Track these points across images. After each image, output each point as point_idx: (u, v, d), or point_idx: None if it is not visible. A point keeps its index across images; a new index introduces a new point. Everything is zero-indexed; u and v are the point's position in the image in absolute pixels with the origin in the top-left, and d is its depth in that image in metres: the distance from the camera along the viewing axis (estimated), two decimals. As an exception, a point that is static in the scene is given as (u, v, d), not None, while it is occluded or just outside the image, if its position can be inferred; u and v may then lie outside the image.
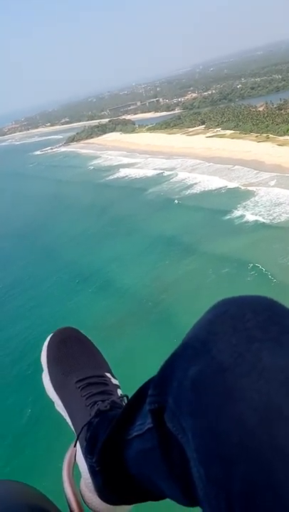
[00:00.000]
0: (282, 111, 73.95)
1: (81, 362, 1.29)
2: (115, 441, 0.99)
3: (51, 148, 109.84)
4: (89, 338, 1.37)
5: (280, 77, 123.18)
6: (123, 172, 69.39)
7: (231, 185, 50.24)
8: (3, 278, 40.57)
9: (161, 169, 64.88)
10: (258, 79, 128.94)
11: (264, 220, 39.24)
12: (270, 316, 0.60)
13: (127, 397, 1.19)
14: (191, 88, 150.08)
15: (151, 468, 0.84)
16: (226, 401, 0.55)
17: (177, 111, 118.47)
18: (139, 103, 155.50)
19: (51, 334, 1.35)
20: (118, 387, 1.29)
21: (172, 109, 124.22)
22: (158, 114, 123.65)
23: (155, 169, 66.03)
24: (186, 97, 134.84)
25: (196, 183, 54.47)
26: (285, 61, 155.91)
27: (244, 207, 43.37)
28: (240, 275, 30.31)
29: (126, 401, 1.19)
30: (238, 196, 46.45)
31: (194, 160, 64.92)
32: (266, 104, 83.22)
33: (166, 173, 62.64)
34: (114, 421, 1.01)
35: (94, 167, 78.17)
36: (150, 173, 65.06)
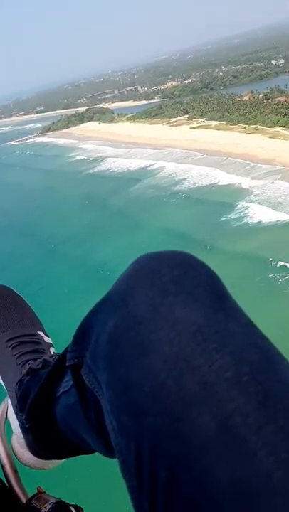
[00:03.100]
0: (270, 100, 71.13)
1: (12, 321, 1.28)
2: (44, 399, 1.01)
3: (26, 139, 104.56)
4: (22, 296, 1.36)
5: (262, 64, 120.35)
6: (98, 168, 65.43)
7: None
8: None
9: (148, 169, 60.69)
10: (239, 67, 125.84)
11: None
12: (185, 270, 0.62)
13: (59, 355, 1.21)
14: (170, 76, 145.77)
15: (76, 422, 0.86)
16: (138, 353, 0.56)
17: (157, 100, 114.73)
18: (116, 91, 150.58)
19: None
20: (51, 345, 1.29)
21: (152, 98, 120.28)
22: (137, 103, 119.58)
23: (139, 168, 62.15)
24: (165, 86, 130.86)
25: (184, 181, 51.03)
26: (264, 48, 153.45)
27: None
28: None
29: None
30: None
31: (182, 152, 61.28)
32: (252, 93, 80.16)
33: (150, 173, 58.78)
34: (43, 379, 1.03)
35: (74, 160, 73.70)
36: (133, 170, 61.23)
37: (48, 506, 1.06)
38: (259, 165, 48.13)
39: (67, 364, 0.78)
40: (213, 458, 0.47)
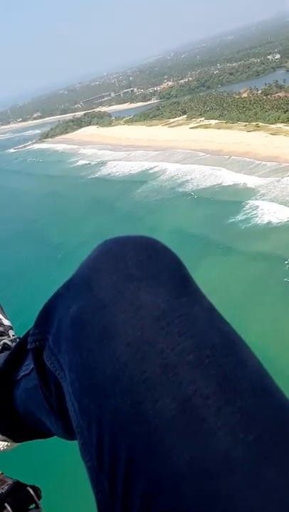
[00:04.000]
0: (269, 96, 70.44)
1: None
2: (4, 382, 1.01)
3: (24, 146, 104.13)
4: None
5: (258, 60, 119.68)
6: (101, 172, 64.84)
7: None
8: None
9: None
10: (235, 64, 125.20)
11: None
12: (150, 255, 0.62)
13: (20, 338, 1.19)
14: (166, 76, 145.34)
15: (36, 406, 0.87)
16: (101, 336, 0.57)
17: (154, 101, 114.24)
18: (113, 94, 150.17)
19: None
20: (10, 328, 1.29)
21: (149, 99, 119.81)
22: (134, 105, 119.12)
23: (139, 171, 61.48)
24: (162, 86, 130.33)
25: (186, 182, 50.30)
26: (259, 44, 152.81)
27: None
28: None
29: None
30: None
31: (184, 152, 60.59)
32: (250, 89, 79.58)
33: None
34: (2, 362, 1.03)
35: (76, 165, 73.22)
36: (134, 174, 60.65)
37: (6, 487, 1.05)
38: (264, 163, 47.47)
39: (28, 347, 0.78)
40: (173, 438, 0.49)
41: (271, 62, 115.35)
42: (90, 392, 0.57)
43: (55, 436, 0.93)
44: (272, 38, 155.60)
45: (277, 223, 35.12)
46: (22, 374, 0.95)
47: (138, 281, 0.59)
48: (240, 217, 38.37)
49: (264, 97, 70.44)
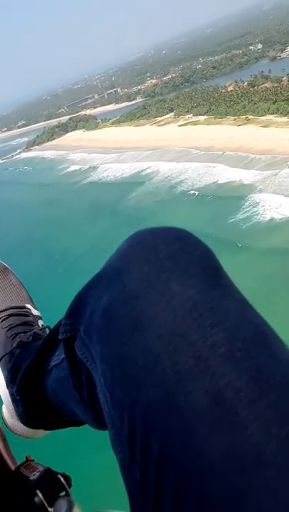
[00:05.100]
0: (256, 87, 69.65)
1: (1, 293, 1.31)
2: (35, 371, 1.04)
3: (12, 156, 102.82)
4: (10, 268, 1.38)
5: (240, 52, 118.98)
6: (94, 177, 63.87)
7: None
8: None
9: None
10: (217, 57, 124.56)
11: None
12: (181, 246, 0.62)
13: (49, 328, 1.21)
14: (149, 74, 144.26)
15: (67, 395, 0.88)
16: (133, 328, 0.57)
17: (139, 100, 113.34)
18: (96, 96, 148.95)
19: None
20: (40, 318, 1.31)
21: (133, 99, 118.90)
22: (119, 106, 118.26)
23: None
24: (145, 84, 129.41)
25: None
26: (239, 35, 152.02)
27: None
28: None
29: (47, 332, 1.21)
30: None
31: (175, 151, 59.60)
32: (235, 82, 78.68)
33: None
34: (34, 352, 1.05)
35: (67, 172, 72.14)
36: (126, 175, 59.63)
37: (37, 474, 1.07)
38: (258, 156, 46.68)
39: (60, 337, 0.79)
40: (205, 431, 0.48)
41: (254, 52, 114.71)
42: (122, 383, 0.57)
43: (87, 425, 0.92)
44: (252, 28, 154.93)
45: (280, 219, 34.32)
46: (53, 364, 0.96)
47: (169, 272, 0.59)
48: (240, 215, 37.58)
49: (251, 89, 69.69)
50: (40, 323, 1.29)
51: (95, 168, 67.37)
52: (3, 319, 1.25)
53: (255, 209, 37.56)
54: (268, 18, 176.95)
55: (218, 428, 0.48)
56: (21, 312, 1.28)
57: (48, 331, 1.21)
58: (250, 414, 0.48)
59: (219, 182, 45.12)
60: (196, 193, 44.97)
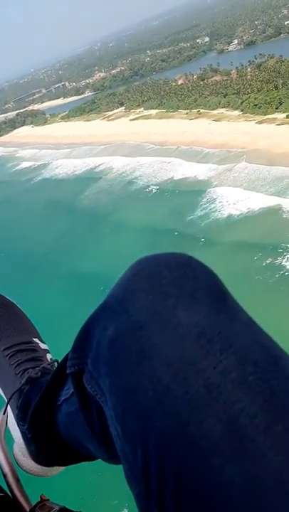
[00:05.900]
0: (206, 81, 69.61)
1: (7, 329, 1.28)
2: (46, 407, 1.01)
3: None
4: (15, 303, 1.36)
5: (188, 45, 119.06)
6: (47, 174, 61.86)
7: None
8: None
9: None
10: (165, 50, 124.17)
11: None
12: (185, 272, 0.61)
13: (57, 361, 1.19)
14: (96, 67, 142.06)
15: (78, 430, 0.86)
16: (141, 358, 0.55)
17: (88, 94, 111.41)
18: (44, 90, 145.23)
19: None
20: (47, 351, 1.29)
21: (82, 93, 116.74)
22: (68, 100, 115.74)
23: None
24: (94, 78, 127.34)
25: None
26: (185, 28, 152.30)
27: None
28: None
29: (56, 366, 1.17)
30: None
31: (129, 145, 58.40)
32: (185, 75, 78.37)
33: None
34: (43, 387, 1.02)
35: (18, 169, 69.28)
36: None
37: None
38: (212, 151, 46.45)
39: (67, 372, 0.78)
40: (222, 460, 0.47)
41: (201, 45, 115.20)
42: (133, 415, 0.56)
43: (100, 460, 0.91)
44: (198, 21, 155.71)
45: (238, 215, 34.20)
46: (63, 398, 0.94)
47: (174, 298, 0.58)
48: (198, 212, 37.18)
49: (201, 83, 69.60)
50: (49, 356, 1.26)
51: (46, 164, 65.16)
52: (11, 356, 1.22)
53: (212, 205, 37.25)
54: (213, 11, 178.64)
55: (235, 456, 0.47)
56: (29, 347, 1.25)
57: (56, 365, 1.19)
58: (267, 440, 0.46)
59: (175, 178, 44.52)
60: (153, 189, 44.17)
